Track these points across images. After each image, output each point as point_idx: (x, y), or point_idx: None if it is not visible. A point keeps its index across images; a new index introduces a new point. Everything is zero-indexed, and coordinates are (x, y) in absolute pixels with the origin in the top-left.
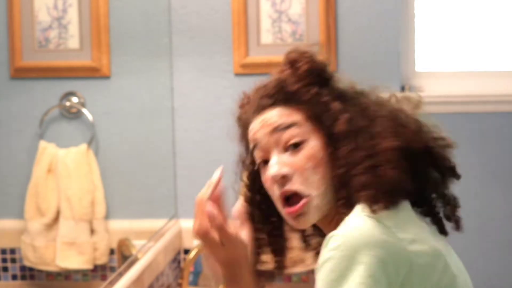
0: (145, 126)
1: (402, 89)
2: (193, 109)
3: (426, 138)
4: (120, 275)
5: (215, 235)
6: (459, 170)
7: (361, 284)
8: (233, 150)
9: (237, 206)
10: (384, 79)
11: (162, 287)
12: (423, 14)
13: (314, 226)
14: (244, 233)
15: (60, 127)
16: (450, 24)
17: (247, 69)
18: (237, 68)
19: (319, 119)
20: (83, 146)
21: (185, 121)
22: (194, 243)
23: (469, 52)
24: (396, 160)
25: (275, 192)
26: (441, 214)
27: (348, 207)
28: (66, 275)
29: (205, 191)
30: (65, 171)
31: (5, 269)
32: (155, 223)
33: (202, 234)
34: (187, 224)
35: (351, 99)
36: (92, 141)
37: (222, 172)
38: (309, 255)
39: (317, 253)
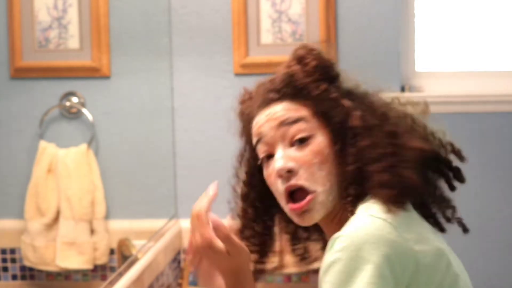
0: (145, 126)
1: (402, 89)
2: (193, 109)
3: (434, 143)
4: (120, 275)
5: (220, 244)
6: (463, 173)
7: (370, 284)
8: (233, 150)
9: (227, 223)
10: (384, 79)
11: (162, 287)
12: (423, 14)
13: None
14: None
15: (60, 127)
16: (450, 24)
17: (247, 69)
18: (237, 68)
19: (326, 115)
20: (83, 146)
21: (185, 121)
22: None
23: (469, 52)
24: (415, 162)
25: (278, 187)
26: (439, 215)
27: (355, 205)
28: (66, 275)
29: (202, 204)
30: (65, 171)
31: (5, 269)
32: (155, 223)
33: (207, 245)
34: (187, 224)
35: (358, 98)
36: (92, 141)
37: (217, 187)
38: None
39: (302, 259)
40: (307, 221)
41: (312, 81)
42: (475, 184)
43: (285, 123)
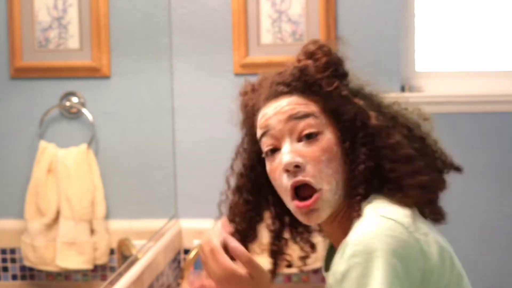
0: (145, 126)
1: (402, 89)
2: (193, 109)
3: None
4: (120, 275)
5: (242, 270)
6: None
7: (387, 284)
8: (233, 150)
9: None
10: (384, 79)
11: (162, 287)
12: (423, 14)
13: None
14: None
15: (60, 127)
16: (450, 24)
17: (247, 69)
18: (237, 68)
19: (335, 112)
20: (83, 146)
21: (185, 121)
22: (194, 243)
23: (469, 52)
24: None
25: (283, 182)
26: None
27: (363, 204)
28: (66, 275)
29: (211, 237)
30: (65, 171)
31: (5, 269)
32: (155, 223)
33: (230, 275)
34: (187, 224)
35: (366, 98)
36: (92, 141)
37: (226, 222)
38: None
39: (276, 260)
40: (314, 221)
41: (324, 77)
42: (475, 184)
43: (294, 117)
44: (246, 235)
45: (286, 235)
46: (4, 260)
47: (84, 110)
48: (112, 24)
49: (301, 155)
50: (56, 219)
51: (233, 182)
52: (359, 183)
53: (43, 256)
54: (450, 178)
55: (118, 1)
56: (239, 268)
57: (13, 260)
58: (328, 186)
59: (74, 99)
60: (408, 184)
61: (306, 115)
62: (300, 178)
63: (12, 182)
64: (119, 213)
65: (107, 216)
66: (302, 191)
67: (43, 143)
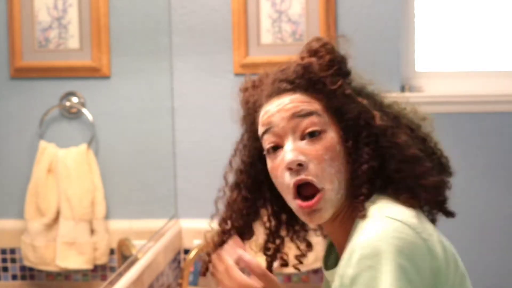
0: (145, 126)
1: (402, 89)
2: (193, 109)
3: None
4: (120, 275)
5: (257, 285)
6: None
7: (398, 286)
8: (233, 149)
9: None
10: (384, 79)
11: (162, 287)
12: (423, 14)
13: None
14: None
15: (60, 127)
16: (450, 24)
17: (247, 69)
18: (237, 68)
19: (339, 111)
20: (83, 146)
21: (185, 121)
22: (194, 243)
23: (469, 52)
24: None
25: (285, 180)
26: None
27: (367, 204)
28: (66, 275)
29: (224, 257)
30: (65, 171)
31: (5, 269)
32: (155, 223)
33: None
34: (187, 224)
35: (369, 97)
36: (92, 141)
37: (237, 239)
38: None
39: (271, 259)
40: (316, 221)
41: (328, 75)
42: (475, 184)
43: (298, 115)
44: (242, 232)
45: (283, 233)
46: (4, 260)
47: (84, 110)
48: (112, 24)
49: (304, 153)
50: (56, 219)
51: (231, 178)
52: (362, 183)
53: (43, 256)
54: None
55: (118, 1)
56: (255, 283)
57: (13, 260)
58: (331, 186)
59: (74, 99)
60: (418, 185)
61: (309, 113)
62: (302, 176)
63: (12, 182)
64: (119, 213)
65: (107, 216)
66: (304, 189)
67: (43, 143)
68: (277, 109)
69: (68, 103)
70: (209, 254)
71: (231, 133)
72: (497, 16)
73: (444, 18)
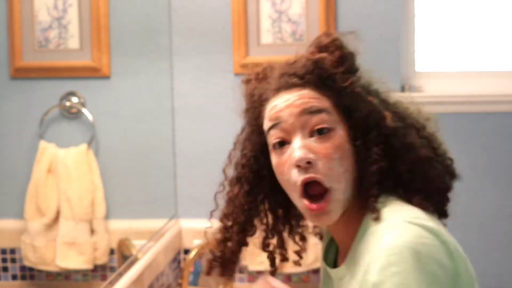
0: (145, 126)
1: (402, 89)
2: (193, 109)
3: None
4: (120, 275)
5: None
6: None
7: None
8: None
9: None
10: (384, 79)
11: (162, 287)
12: (423, 14)
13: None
14: None
15: (60, 127)
16: (450, 24)
17: (247, 69)
18: (237, 68)
19: (348, 109)
20: (83, 146)
21: (185, 121)
22: (194, 243)
23: (469, 52)
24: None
25: (292, 178)
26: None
27: (378, 206)
28: (66, 275)
29: None
30: (65, 171)
31: (5, 269)
32: (155, 223)
33: None
34: (187, 224)
35: (378, 96)
36: (92, 141)
37: (268, 276)
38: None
39: (271, 252)
40: (325, 223)
41: (339, 72)
42: (475, 184)
43: (308, 111)
44: (245, 228)
45: (280, 228)
46: (4, 260)
47: (84, 110)
48: (112, 24)
49: (313, 151)
50: (56, 219)
51: (230, 173)
52: (372, 183)
53: (43, 256)
54: None
55: (118, 1)
56: None
57: (13, 260)
58: (339, 185)
59: (74, 99)
60: (430, 187)
61: (319, 110)
62: (311, 175)
63: (12, 182)
64: (119, 213)
65: (107, 216)
66: (311, 188)
67: (43, 143)
68: (286, 104)
69: (68, 103)
70: (212, 252)
71: (231, 133)
72: (497, 16)
73: (444, 18)
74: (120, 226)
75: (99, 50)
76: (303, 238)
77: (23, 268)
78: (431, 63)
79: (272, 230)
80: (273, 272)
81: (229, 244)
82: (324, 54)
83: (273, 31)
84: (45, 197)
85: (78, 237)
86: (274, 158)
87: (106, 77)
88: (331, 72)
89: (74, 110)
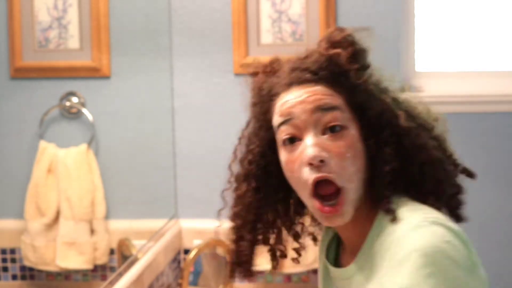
0: (145, 126)
1: (402, 89)
2: (193, 109)
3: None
4: (120, 275)
5: None
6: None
7: None
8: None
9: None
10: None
11: (162, 287)
12: (423, 14)
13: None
14: None
15: (60, 127)
16: (450, 24)
17: (247, 69)
18: (237, 68)
19: (360, 107)
20: (83, 146)
21: (185, 121)
22: (194, 243)
23: (469, 52)
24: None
25: (303, 176)
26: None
27: (392, 206)
28: (66, 275)
29: None
30: (65, 171)
31: (5, 269)
32: (155, 223)
33: None
34: (187, 224)
35: (389, 94)
36: (92, 141)
37: None
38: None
39: (272, 249)
40: (337, 224)
41: (353, 69)
42: (475, 184)
43: (321, 108)
44: (255, 227)
45: (279, 224)
46: (4, 260)
47: (84, 110)
48: (112, 24)
49: (326, 149)
50: (56, 219)
51: (236, 169)
52: (385, 184)
53: (43, 256)
54: None
55: (118, 1)
56: None
57: (13, 260)
58: (351, 185)
59: (74, 99)
60: (442, 188)
61: (333, 108)
62: (324, 174)
63: (12, 182)
64: (119, 213)
65: (107, 216)
66: (321, 187)
67: (43, 143)
68: (299, 100)
69: (68, 103)
70: (231, 254)
71: (231, 133)
72: (497, 16)
73: (444, 18)
74: (120, 226)
75: (99, 50)
76: (296, 235)
77: (23, 268)
78: (431, 63)
79: (273, 225)
80: (274, 268)
81: (243, 243)
82: (339, 50)
83: (273, 31)
84: (45, 197)
85: (78, 237)
86: (283, 155)
87: (106, 77)
88: (345, 68)
89: (74, 110)
